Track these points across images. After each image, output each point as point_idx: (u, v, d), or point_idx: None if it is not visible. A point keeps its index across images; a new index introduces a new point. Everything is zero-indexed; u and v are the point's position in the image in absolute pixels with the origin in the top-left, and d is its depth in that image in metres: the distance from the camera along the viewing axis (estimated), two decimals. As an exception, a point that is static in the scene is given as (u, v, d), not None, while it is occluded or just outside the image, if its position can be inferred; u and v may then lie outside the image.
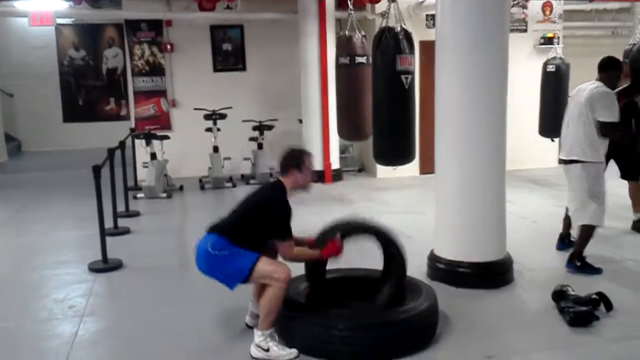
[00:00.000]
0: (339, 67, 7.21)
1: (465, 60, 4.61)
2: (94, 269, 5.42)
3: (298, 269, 4.30)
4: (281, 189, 3.73)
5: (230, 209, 3.80)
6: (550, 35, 10.00)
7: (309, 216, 7.36)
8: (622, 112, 5.05)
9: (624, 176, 6.17)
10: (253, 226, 3.65)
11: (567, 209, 5.41)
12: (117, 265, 5.49)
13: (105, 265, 5.45)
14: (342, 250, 3.78)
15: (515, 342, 3.86)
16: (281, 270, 3.56)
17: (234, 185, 9.41)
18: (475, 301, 4.47)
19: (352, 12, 7.19)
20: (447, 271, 4.81)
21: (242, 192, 8.83)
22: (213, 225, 3.71)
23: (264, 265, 3.54)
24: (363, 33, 7.15)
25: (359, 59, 6.96)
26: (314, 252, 3.80)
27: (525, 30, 10.22)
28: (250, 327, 3.88)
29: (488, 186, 4.74)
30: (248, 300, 4.00)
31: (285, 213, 3.65)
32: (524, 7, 10.13)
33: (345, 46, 7.07)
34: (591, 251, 5.49)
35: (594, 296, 4.14)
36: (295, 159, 3.77)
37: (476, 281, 4.70)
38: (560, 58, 8.90)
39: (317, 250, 3.78)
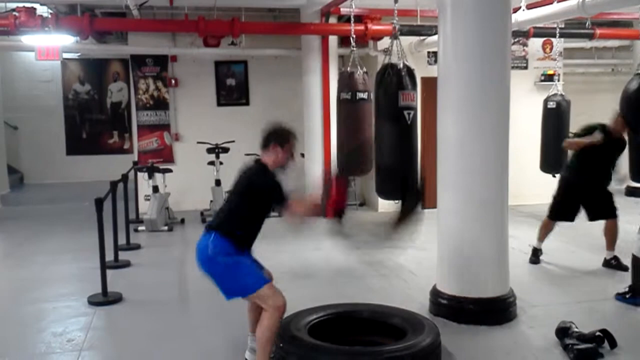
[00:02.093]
0: (340, 102, 7.25)
1: (467, 97, 4.66)
2: (94, 302, 5.38)
3: (302, 303, 4.28)
4: (262, 169, 3.69)
5: (221, 204, 3.74)
6: (550, 72, 10.09)
7: (311, 251, 7.36)
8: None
9: (592, 218, 6.30)
10: (246, 212, 3.63)
11: None
12: (117, 299, 5.46)
13: (105, 299, 5.42)
14: (347, 186, 3.70)
15: (519, 379, 3.81)
16: (278, 296, 3.57)
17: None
18: (478, 338, 4.42)
19: (355, 48, 7.28)
20: (449, 307, 4.77)
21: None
22: (210, 224, 3.69)
23: (267, 289, 3.55)
24: (365, 69, 7.21)
25: (360, 95, 7.00)
26: (317, 197, 3.71)
27: (526, 68, 10.32)
28: (250, 363, 3.84)
29: (490, 221, 4.73)
30: (247, 335, 3.96)
31: (274, 186, 3.60)
32: (525, 44, 10.25)
33: (346, 82, 7.12)
34: (593, 288, 5.48)
35: (598, 333, 4.10)
36: (279, 135, 3.72)
37: (479, 317, 4.66)
38: (561, 95, 8.96)
39: (320, 194, 3.70)
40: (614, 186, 6.32)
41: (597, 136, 5.92)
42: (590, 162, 6.10)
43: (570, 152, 6.48)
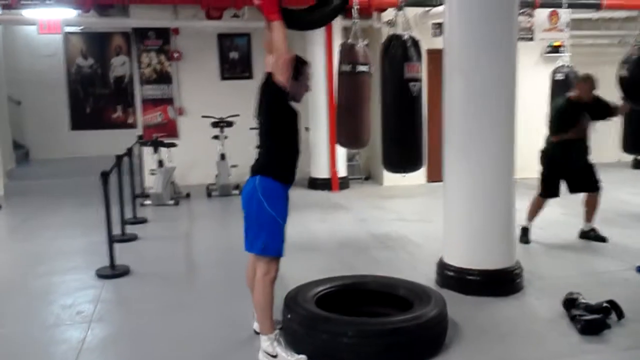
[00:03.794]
0: (340, 74, 7.18)
1: (473, 69, 4.60)
2: (102, 275, 5.42)
3: (308, 274, 4.31)
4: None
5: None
6: (557, 43, 9.99)
7: (315, 223, 7.38)
8: None
9: (572, 191, 6.21)
10: (279, 129, 3.64)
11: None
12: (124, 272, 5.49)
13: (113, 272, 5.45)
14: None
15: (526, 350, 3.81)
16: (274, 268, 3.63)
17: (241, 193, 9.40)
18: (484, 309, 4.44)
19: (357, 20, 7.18)
20: (456, 279, 4.78)
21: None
22: (253, 168, 3.74)
23: (276, 260, 3.63)
24: (366, 41, 7.12)
25: (361, 67, 6.93)
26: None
27: (532, 39, 10.19)
28: (258, 334, 3.87)
29: (497, 194, 4.72)
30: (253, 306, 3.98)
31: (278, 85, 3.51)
32: (531, 15, 10.12)
33: (347, 54, 7.03)
34: (600, 260, 5.48)
35: (605, 304, 4.10)
36: (293, 66, 3.64)
37: (485, 289, 4.68)
38: (569, 66, 8.87)
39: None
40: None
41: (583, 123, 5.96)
42: (554, 133, 6.05)
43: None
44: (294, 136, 3.71)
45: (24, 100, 12.27)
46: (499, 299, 4.60)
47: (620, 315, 4.09)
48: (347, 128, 7.12)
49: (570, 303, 4.21)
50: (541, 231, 6.39)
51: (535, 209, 6.28)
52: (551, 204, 6.25)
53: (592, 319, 3.95)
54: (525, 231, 6.20)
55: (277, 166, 3.66)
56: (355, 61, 6.89)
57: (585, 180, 6.14)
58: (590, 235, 6.24)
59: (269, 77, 3.58)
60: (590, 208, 6.21)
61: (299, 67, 3.66)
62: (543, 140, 6.24)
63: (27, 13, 8.71)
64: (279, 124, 3.65)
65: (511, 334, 4.03)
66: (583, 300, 4.18)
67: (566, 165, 6.08)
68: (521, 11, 9.48)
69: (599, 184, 6.12)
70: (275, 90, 3.52)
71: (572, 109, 5.98)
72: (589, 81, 6.00)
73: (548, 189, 6.19)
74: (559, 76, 8.86)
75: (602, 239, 6.15)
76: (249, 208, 3.67)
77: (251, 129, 9.63)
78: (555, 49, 9.96)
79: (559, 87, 8.85)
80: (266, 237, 3.58)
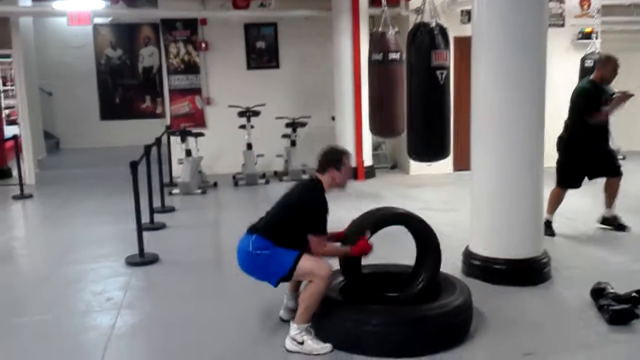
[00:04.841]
0: (371, 63, 7.15)
1: (502, 56, 4.55)
2: (131, 262, 5.50)
3: (335, 263, 4.31)
4: (317, 188, 3.75)
5: (268, 210, 3.83)
6: (588, 30, 9.82)
7: (342, 212, 7.33)
8: None
9: (591, 177, 6.03)
10: (290, 226, 3.67)
11: None
12: (153, 260, 5.57)
13: (142, 260, 5.53)
14: (371, 247, 3.75)
15: (553, 339, 3.78)
16: (322, 266, 3.58)
17: (267, 182, 9.47)
18: (511, 298, 4.41)
19: (386, 8, 7.14)
20: (482, 268, 4.76)
21: (275, 188, 8.89)
22: (252, 227, 3.74)
23: (305, 262, 3.57)
24: (397, 29, 7.09)
25: (392, 55, 6.89)
26: (344, 249, 3.80)
27: (562, 25, 10.05)
28: (284, 321, 3.90)
29: (525, 183, 4.67)
30: (283, 295, 4.01)
31: (320, 211, 3.66)
32: (562, 1, 9.96)
33: (378, 42, 7.01)
34: (628, 250, 5.40)
35: (634, 294, 4.04)
36: (334, 159, 3.79)
37: (512, 278, 4.64)
38: (599, 53, 8.71)
39: (347, 247, 3.77)
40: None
41: (624, 94, 5.70)
42: (581, 118, 5.81)
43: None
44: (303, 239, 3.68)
45: (54, 91, 12.48)
46: (525, 289, 4.56)
47: (650, 305, 4.03)
48: (381, 117, 7.12)
49: (598, 293, 4.16)
50: (568, 220, 6.32)
51: (555, 201, 6.02)
52: (577, 193, 6.13)
53: (621, 308, 3.90)
54: (548, 224, 5.86)
55: (279, 239, 3.64)
56: (387, 49, 6.87)
57: (606, 165, 5.96)
58: (612, 222, 6.11)
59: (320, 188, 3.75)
60: (612, 193, 6.04)
61: (342, 159, 3.79)
62: (563, 126, 6.04)
63: (57, 5, 8.85)
64: (295, 229, 3.67)
65: (538, 324, 4.00)
66: (611, 290, 4.13)
67: (587, 152, 5.87)
68: (552, -3, 9.34)
69: (620, 169, 5.99)
70: (316, 205, 3.67)
71: (597, 91, 5.80)
72: (612, 61, 5.81)
73: (568, 179, 5.96)
74: (589, 63, 8.73)
75: (623, 228, 6.03)
76: (245, 264, 3.70)
77: (277, 118, 9.71)
78: (587, 36, 9.79)
79: (588, 73, 8.68)
80: (279, 265, 3.58)
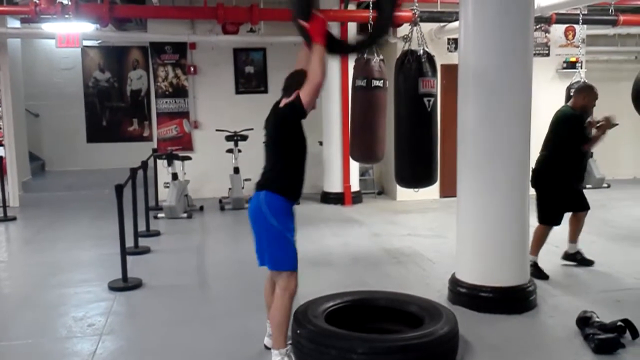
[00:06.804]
0: (354, 89, 7.18)
1: (488, 85, 4.59)
2: (114, 287, 5.43)
3: (319, 289, 4.29)
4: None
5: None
6: (573, 59, 9.96)
7: (327, 238, 7.37)
8: None
9: (565, 210, 5.74)
10: (287, 151, 3.72)
11: None
12: (137, 285, 5.50)
13: (125, 284, 5.46)
14: (324, 19, 3.73)
15: (539, 369, 3.78)
16: (292, 282, 3.62)
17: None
18: (497, 326, 4.39)
19: (373, 35, 7.19)
20: (468, 295, 4.74)
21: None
22: (258, 182, 3.76)
23: (291, 273, 3.61)
24: (381, 57, 7.14)
25: (376, 82, 6.93)
26: (318, 48, 3.72)
27: (548, 55, 10.19)
28: (268, 349, 3.85)
29: (511, 210, 4.68)
30: (266, 321, 3.97)
31: (293, 103, 3.65)
32: (547, 31, 10.11)
33: (362, 69, 7.05)
34: (614, 278, 5.41)
35: (620, 323, 4.05)
36: (300, 80, 3.71)
37: (498, 306, 4.63)
38: (584, 82, 8.82)
39: (316, 45, 3.71)
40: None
41: (609, 120, 5.58)
42: (564, 149, 5.54)
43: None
44: (302, 156, 3.72)
45: (41, 113, 12.39)
46: (511, 317, 4.55)
47: (635, 334, 4.02)
48: (361, 143, 7.13)
49: (584, 321, 4.16)
50: (555, 249, 6.32)
51: (539, 240, 5.62)
52: (567, 222, 6.07)
53: (606, 337, 3.89)
54: (536, 266, 5.48)
55: (284, 183, 3.67)
56: (371, 76, 6.90)
57: (579, 199, 5.77)
58: (575, 257, 5.94)
59: (297, 98, 3.64)
60: (579, 227, 5.86)
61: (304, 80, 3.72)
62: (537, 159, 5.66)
63: (46, 27, 8.83)
64: (291, 142, 3.69)
65: (524, 352, 3.98)
66: (597, 319, 4.13)
67: (566, 186, 5.62)
68: (537, 27, 9.47)
69: (588, 203, 5.81)
70: (297, 108, 3.60)
71: (582, 119, 5.60)
72: (594, 91, 5.71)
73: (553, 215, 5.59)
74: (574, 92, 8.80)
75: (588, 262, 5.87)
76: (256, 224, 3.68)
77: (264, 142, 9.68)
78: (571, 65, 9.94)
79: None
80: (276, 251, 3.59)
